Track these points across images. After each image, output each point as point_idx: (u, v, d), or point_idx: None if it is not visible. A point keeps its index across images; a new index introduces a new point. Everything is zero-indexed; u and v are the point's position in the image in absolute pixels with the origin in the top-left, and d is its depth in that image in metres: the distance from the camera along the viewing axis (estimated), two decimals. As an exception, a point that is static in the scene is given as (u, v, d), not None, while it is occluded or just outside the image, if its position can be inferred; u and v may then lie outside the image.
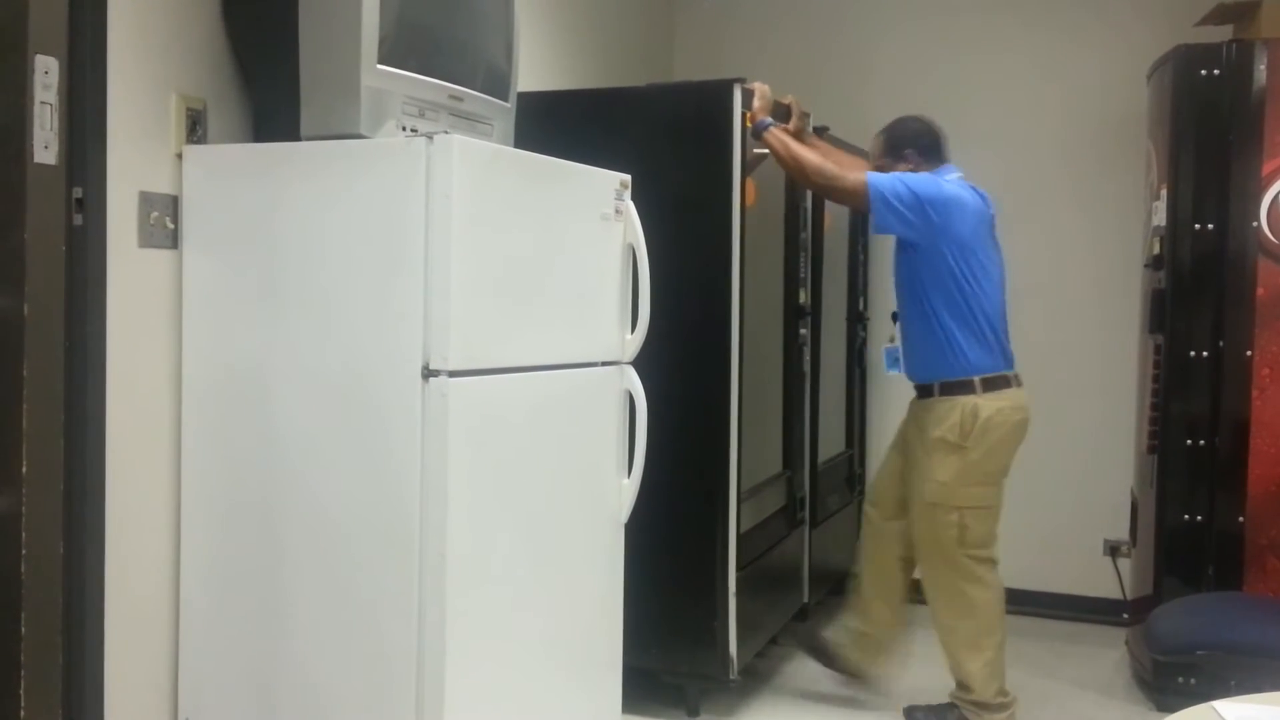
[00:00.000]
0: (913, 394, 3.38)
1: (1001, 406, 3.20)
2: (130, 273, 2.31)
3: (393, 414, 2.25)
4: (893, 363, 3.48)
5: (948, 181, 3.26)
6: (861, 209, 3.29)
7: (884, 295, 4.74)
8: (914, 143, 3.36)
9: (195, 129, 2.46)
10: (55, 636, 1.36)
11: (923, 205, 3.16)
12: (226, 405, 2.41)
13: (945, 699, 3.37)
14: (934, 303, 3.20)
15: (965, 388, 3.20)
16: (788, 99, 3.47)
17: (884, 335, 4.75)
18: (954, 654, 3.31)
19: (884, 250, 4.73)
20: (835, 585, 4.53)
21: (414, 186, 2.22)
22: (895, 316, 3.44)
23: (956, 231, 3.18)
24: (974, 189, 3.32)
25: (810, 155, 3.28)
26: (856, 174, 3.24)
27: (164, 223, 2.40)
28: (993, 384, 3.21)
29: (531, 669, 2.53)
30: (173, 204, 2.42)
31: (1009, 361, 3.28)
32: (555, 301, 2.59)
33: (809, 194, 3.98)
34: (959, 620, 3.29)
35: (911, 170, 3.28)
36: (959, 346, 3.20)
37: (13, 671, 1.28)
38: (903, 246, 3.29)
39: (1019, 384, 3.29)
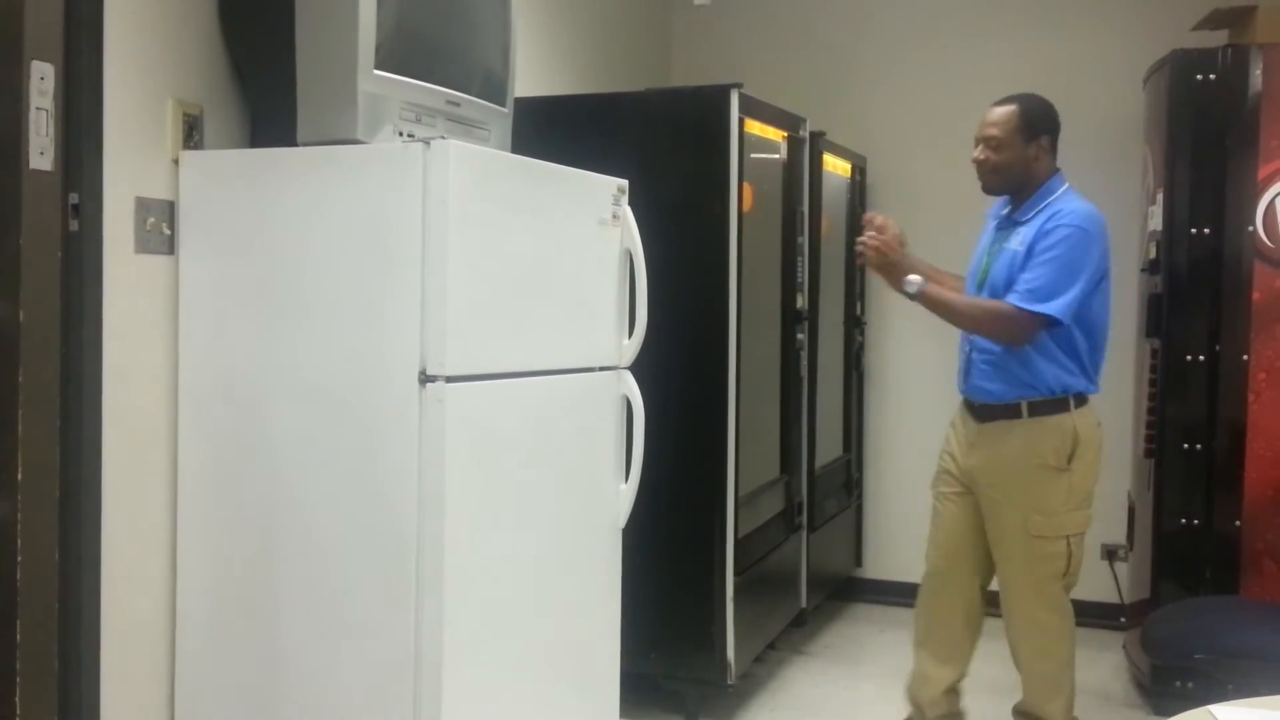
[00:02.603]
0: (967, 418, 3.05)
1: (1091, 422, 2.96)
2: (126, 278, 2.31)
3: (390, 420, 2.24)
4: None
5: (1092, 208, 2.94)
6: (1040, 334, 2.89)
7: (882, 299, 4.75)
8: (1051, 128, 3.00)
9: (192, 134, 2.46)
10: (51, 645, 1.35)
11: (1099, 276, 2.93)
12: (223, 411, 2.40)
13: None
14: None
15: (1060, 406, 2.91)
16: (878, 221, 3.04)
17: (884, 338, 4.77)
18: (1035, 696, 3.08)
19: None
20: (833, 590, 4.53)
21: (411, 192, 2.22)
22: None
23: (1107, 265, 2.99)
24: None
25: (964, 303, 2.99)
26: (1024, 309, 2.83)
27: (160, 228, 2.39)
28: (1082, 399, 2.95)
29: (529, 675, 2.53)
30: (169, 209, 2.41)
31: (1094, 377, 3.02)
32: (553, 307, 2.58)
33: (806, 198, 3.99)
34: (1042, 660, 3.05)
35: (1035, 163, 2.95)
36: (1062, 362, 2.90)
37: (8, 680, 1.27)
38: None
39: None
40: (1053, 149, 3.00)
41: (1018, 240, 2.93)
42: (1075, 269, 2.85)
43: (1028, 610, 3.01)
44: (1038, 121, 2.98)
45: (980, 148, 3.00)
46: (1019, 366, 2.91)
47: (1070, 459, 2.91)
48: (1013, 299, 2.85)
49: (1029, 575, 2.97)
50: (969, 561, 3.10)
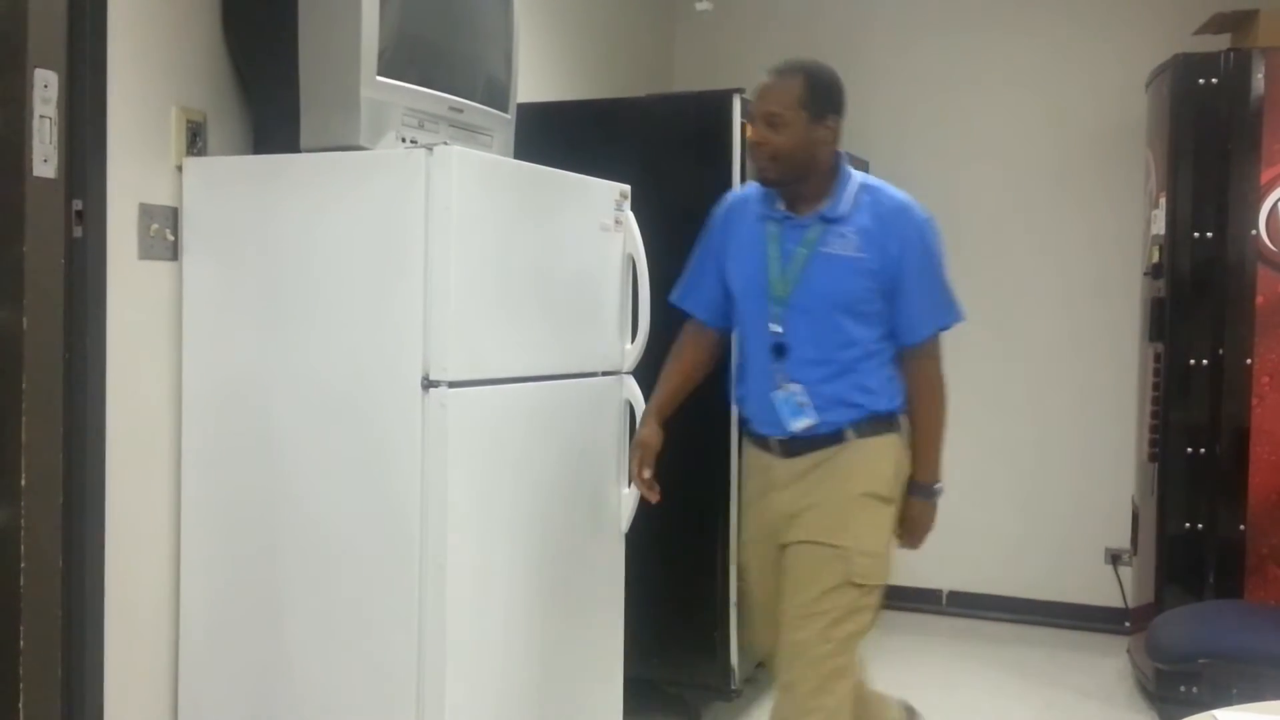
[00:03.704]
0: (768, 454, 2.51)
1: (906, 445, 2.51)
2: (130, 284, 2.31)
3: (392, 425, 2.25)
4: (798, 412, 2.42)
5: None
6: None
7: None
8: (839, 108, 2.45)
9: (195, 141, 2.47)
10: (54, 650, 1.36)
11: None
12: (227, 417, 2.41)
13: None
14: (880, 327, 2.44)
15: (890, 424, 2.45)
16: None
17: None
18: None
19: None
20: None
21: (413, 198, 2.22)
22: (781, 350, 2.42)
23: None
24: None
25: (930, 417, 2.49)
26: (930, 368, 2.48)
27: (164, 234, 2.40)
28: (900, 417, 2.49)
29: (532, 679, 2.53)
30: (173, 216, 2.42)
31: None
32: (555, 312, 2.59)
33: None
34: None
35: (822, 147, 2.41)
36: (892, 371, 2.46)
37: (12, 686, 1.27)
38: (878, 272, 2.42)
39: None
40: (839, 135, 2.45)
41: (847, 245, 2.39)
42: (942, 256, 2.50)
43: (819, 680, 2.34)
44: (827, 97, 2.41)
45: (758, 127, 2.40)
46: (850, 386, 2.41)
47: (897, 487, 2.46)
48: (922, 331, 2.44)
49: (834, 634, 2.35)
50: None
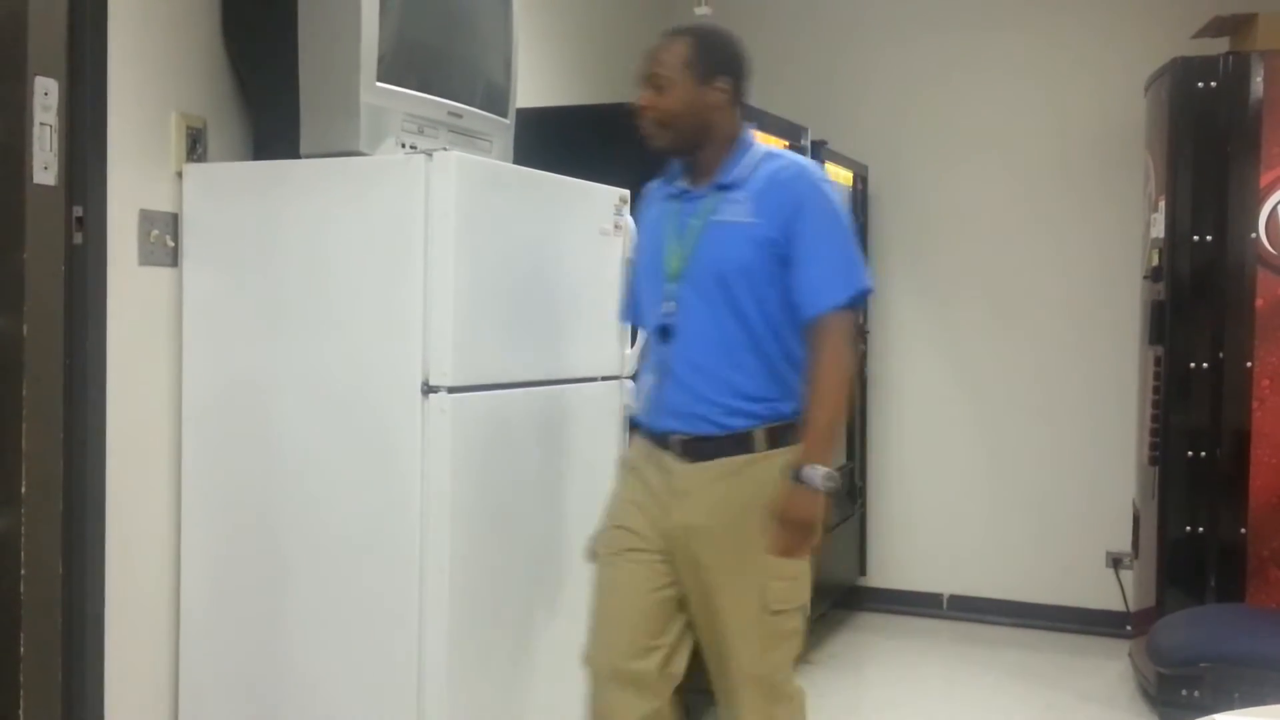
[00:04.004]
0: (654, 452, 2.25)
1: None
2: (130, 291, 2.31)
3: (393, 430, 2.25)
4: (686, 405, 2.21)
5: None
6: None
7: (885, 308, 4.75)
8: (734, 69, 2.26)
9: (195, 147, 2.47)
10: (55, 656, 1.36)
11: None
12: (227, 422, 2.41)
13: None
14: (781, 315, 2.20)
15: (797, 431, 2.18)
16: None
17: (887, 346, 4.77)
18: None
19: (884, 262, 4.75)
20: (837, 599, 4.52)
21: (413, 203, 2.22)
22: (667, 333, 2.22)
23: None
24: None
25: (822, 387, 2.15)
26: (841, 305, 2.18)
27: (164, 241, 2.40)
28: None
29: (531, 682, 2.53)
30: (173, 222, 2.42)
31: None
32: (555, 317, 2.59)
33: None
34: None
35: (714, 112, 2.23)
36: (798, 373, 2.20)
37: (13, 692, 1.27)
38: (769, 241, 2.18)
39: None
40: (738, 98, 2.27)
41: (739, 211, 2.20)
42: (845, 223, 2.24)
43: (762, 715, 2.21)
44: (716, 57, 2.23)
45: (642, 90, 2.25)
46: (747, 376, 2.18)
47: None
48: (820, 301, 2.16)
49: (763, 666, 2.20)
50: (658, 656, 2.21)
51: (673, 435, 2.21)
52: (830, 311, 2.16)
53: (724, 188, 2.23)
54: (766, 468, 2.15)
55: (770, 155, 2.27)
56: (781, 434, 2.17)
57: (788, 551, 2.12)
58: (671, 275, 2.23)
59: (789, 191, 2.19)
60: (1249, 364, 3.44)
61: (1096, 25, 4.47)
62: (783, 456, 2.15)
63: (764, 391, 2.18)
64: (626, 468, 2.34)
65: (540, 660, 2.55)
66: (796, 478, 2.10)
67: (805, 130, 3.95)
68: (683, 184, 2.30)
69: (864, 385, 4.73)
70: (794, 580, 2.18)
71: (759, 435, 2.17)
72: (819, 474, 2.09)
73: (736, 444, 2.17)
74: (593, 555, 2.30)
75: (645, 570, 2.21)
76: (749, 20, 4.86)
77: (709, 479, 2.18)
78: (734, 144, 2.26)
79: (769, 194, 2.19)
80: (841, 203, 2.26)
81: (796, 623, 2.22)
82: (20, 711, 1.30)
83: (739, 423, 2.17)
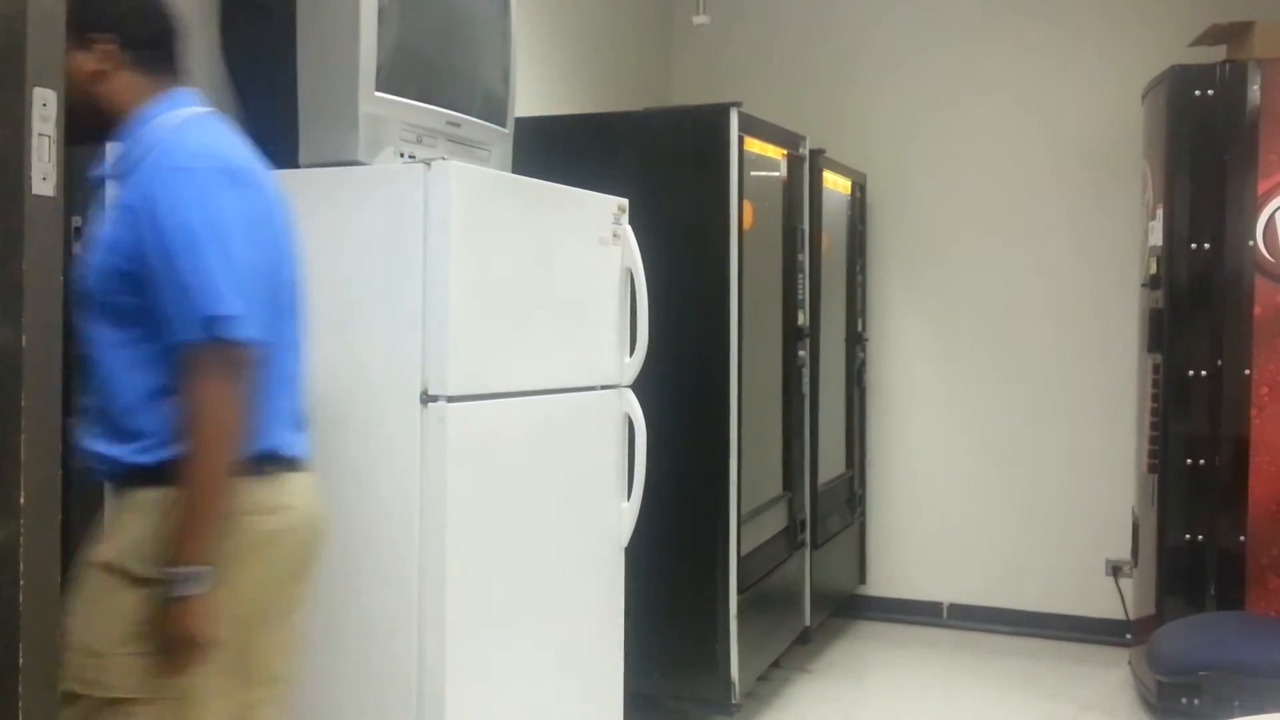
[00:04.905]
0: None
1: None
2: (129, 301, 2.30)
3: (391, 439, 2.25)
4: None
5: (213, 139, 1.82)
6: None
7: (884, 316, 4.75)
8: (114, 20, 1.78)
9: (194, 157, 2.47)
10: (54, 668, 1.35)
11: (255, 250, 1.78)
12: (225, 432, 2.40)
13: None
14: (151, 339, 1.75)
15: (161, 473, 1.73)
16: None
17: (886, 354, 4.77)
18: None
19: (883, 270, 4.75)
20: (837, 607, 4.52)
21: (412, 212, 2.22)
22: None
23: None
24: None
25: (203, 465, 1.69)
26: (198, 391, 1.70)
27: (163, 250, 2.40)
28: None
29: (532, 694, 2.52)
30: (171, 232, 2.41)
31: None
32: (554, 326, 2.59)
33: (806, 216, 4.00)
34: None
35: (99, 83, 1.77)
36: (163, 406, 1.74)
37: (11, 706, 1.27)
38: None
39: None
40: (146, 58, 1.80)
41: (109, 213, 1.80)
42: (218, 230, 1.71)
43: None
44: (89, 11, 1.70)
45: None
46: (108, 411, 1.78)
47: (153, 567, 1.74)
48: (177, 331, 1.70)
49: None
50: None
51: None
52: (196, 346, 1.71)
53: (111, 180, 1.81)
54: (119, 505, 1.80)
55: (178, 129, 1.78)
56: (142, 473, 1.76)
57: (169, 667, 1.71)
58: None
59: (142, 180, 1.75)
60: (1247, 371, 3.45)
61: (1094, 35, 4.49)
62: (136, 496, 1.77)
63: (112, 429, 1.79)
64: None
65: (541, 672, 2.55)
66: (161, 584, 1.70)
67: (804, 139, 3.96)
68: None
69: (862, 394, 4.74)
70: (101, 659, 1.71)
71: (119, 471, 1.78)
72: (188, 579, 1.68)
73: (117, 476, 1.80)
74: None
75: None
76: (748, 30, 4.87)
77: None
78: (140, 116, 1.79)
79: (131, 185, 1.76)
80: (201, 187, 1.73)
81: (116, 716, 1.70)
82: (18, 723, 1.30)
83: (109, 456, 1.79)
